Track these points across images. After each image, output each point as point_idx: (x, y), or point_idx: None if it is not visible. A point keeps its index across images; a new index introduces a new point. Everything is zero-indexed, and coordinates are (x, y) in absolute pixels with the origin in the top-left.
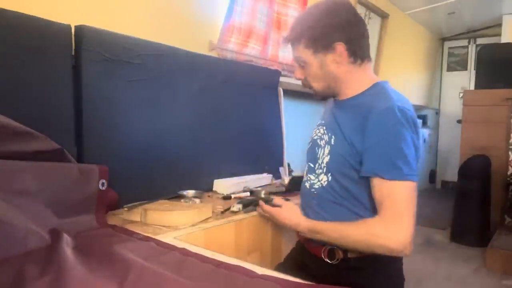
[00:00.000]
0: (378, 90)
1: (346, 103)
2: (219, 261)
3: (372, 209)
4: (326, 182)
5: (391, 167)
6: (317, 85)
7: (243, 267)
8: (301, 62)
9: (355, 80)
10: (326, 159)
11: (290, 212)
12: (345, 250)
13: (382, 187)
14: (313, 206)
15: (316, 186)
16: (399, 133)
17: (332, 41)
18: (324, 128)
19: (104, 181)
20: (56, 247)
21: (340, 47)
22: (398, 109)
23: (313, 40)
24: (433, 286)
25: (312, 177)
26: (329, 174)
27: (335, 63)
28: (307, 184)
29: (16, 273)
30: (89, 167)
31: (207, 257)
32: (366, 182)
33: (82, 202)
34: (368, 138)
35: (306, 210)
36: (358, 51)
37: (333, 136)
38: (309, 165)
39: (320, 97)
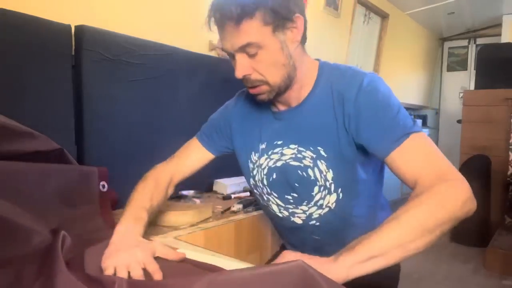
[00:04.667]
0: (330, 70)
1: (306, 104)
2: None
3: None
4: (334, 203)
5: (404, 128)
6: (275, 78)
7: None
8: (253, 48)
9: (305, 67)
10: (329, 175)
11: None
12: None
13: (410, 148)
14: (313, 242)
15: (316, 216)
16: (392, 99)
17: (291, 12)
18: (295, 145)
19: (104, 183)
20: (54, 248)
21: (300, 20)
22: (374, 78)
23: (273, 12)
24: (433, 286)
25: (303, 208)
26: (339, 190)
27: (294, 43)
28: (296, 219)
29: (16, 273)
30: (88, 169)
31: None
32: (375, 162)
33: (85, 204)
34: (366, 122)
35: (308, 253)
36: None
37: (319, 147)
38: (285, 198)
39: (272, 96)
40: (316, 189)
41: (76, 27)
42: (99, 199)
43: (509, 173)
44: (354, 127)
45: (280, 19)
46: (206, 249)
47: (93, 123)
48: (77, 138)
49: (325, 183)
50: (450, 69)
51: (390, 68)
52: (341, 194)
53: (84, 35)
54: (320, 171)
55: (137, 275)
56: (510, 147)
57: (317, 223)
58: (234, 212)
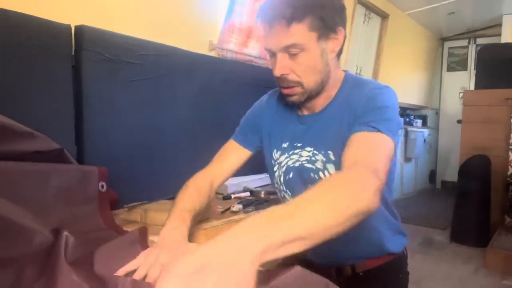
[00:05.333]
0: (351, 83)
1: (325, 112)
2: None
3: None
4: None
5: (382, 126)
6: (310, 81)
7: None
8: (296, 49)
9: (334, 77)
10: None
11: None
12: (353, 266)
13: (367, 138)
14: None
15: None
16: (391, 108)
17: (336, 24)
18: (311, 148)
19: (103, 183)
20: (56, 249)
21: (342, 33)
22: (385, 88)
23: (321, 21)
24: (433, 286)
25: None
26: None
27: (332, 53)
28: None
29: (17, 273)
30: (88, 169)
31: None
32: None
33: (84, 203)
34: (359, 113)
35: (315, 250)
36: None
37: (329, 152)
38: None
39: (303, 98)
40: None
41: (76, 27)
42: (98, 199)
43: (509, 173)
44: (353, 122)
45: (325, 28)
46: None
47: (93, 123)
48: (77, 138)
49: None
50: (450, 69)
51: (390, 68)
52: None
53: (84, 35)
54: (330, 174)
55: (152, 276)
56: (510, 147)
57: None
58: (234, 212)
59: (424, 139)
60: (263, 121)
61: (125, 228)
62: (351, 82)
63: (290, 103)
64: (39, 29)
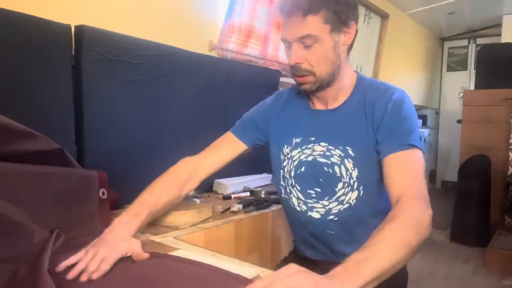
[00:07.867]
0: (365, 83)
1: (342, 109)
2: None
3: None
4: (355, 200)
5: (412, 140)
6: (322, 71)
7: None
8: (310, 40)
9: (346, 71)
10: (354, 173)
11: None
12: None
13: (404, 159)
14: (326, 237)
15: (335, 211)
16: (413, 115)
17: (348, 19)
18: (325, 143)
19: (104, 190)
20: (43, 250)
21: (354, 28)
22: (403, 93)
23: (335, 14)
24: (433, 286)
25: (324, 203)
26: (361, 187)
27: (344, 46)
28: (314, 214)
29: (14, 271)
30: (89, 174)
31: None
32: None
33: (84, 208)
34: (385, 124)
35: (317, 248)
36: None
37: (348, 147)
38: (307, 192)
39: (314, 87)
40: (340, 185)
41: (76, 27)
42: (99, 205)
43: (509, 173)
44: (377, 130)
45: (339, 22)
46: (206, 249)
47: (93, 123)
48: (77, 138)
49: (349, 180)
50: (450, 69)
51: (390, 68)
52: (362, 191)
53: (84, 35)
54: (346, 169)
55: (89, 270)
56: (510, 147)
57: (336, 218)
58: (234, 212)
59: (424, 139)
60: (272, 120)
61: None
62: (365, 83)
63: (302, 91)
64: (39, 29)
